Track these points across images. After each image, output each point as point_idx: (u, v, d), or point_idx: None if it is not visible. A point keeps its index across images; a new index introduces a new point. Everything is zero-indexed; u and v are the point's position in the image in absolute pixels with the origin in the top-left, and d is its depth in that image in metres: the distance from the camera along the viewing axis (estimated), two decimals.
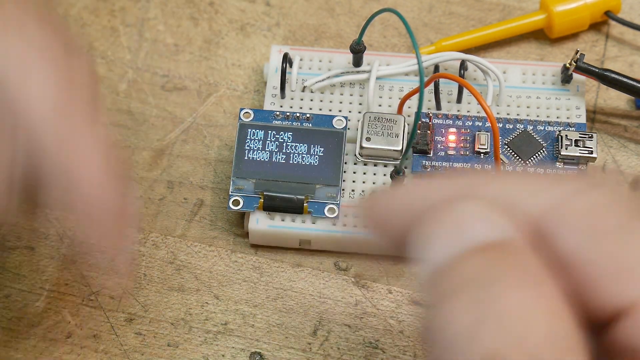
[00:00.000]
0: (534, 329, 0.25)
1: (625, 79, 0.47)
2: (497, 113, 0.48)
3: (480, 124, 0.46)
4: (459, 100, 0.48)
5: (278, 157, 0.45)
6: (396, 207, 0.30)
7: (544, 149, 0.46)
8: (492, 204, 0.28)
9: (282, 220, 0.45)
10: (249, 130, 0.46)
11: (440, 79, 0.46)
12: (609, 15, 0.50)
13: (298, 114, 0.46)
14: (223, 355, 0.43)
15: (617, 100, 0.49)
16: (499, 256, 0.26)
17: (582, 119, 0.47)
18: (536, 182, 0.29)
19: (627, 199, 0.28)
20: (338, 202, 0.45)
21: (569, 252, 0.28)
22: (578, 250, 0.27)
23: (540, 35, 0.51)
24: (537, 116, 0.48)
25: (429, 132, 0.46)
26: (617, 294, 0.27)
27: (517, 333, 0.25)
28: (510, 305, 0.25)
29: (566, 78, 0.48)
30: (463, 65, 0.48)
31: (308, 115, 0.46)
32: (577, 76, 0.48)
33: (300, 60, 0.49)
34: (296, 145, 0.45)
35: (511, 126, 0.47)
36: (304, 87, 0.48)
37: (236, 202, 0.45)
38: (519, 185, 0.29)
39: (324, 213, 0.45)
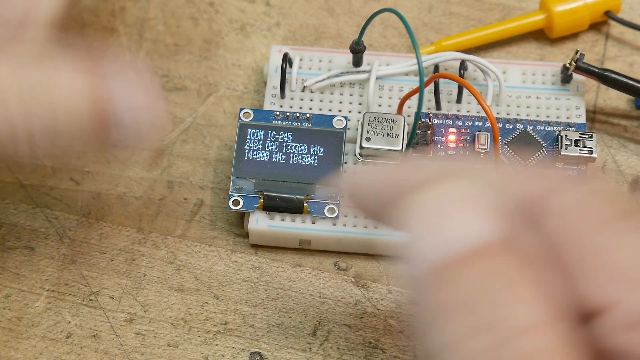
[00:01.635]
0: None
1: (625, 79, 0.47)
2: (497, 113, 0.48)
3: (480, 124, 0.47)
4: (458, 100, 0.48)
5: (278, 157, 0.45)
6: (377, 183, 0.30)
7: (543, 149, 0.46)
8: (481, 187, 0.27)
9: (282, 220, 0.45)
10: (249, 130, 0.46)
11: (440, 79, 0.46)
12: (609, 15, 0.50)
13: (298, 114, 0.46)
14: (223, 355, 0.43)
15: (617, 100, 0.49)
16: (493, 272, 0.26)
17: (582, 119, 0.47)
18: (530, 170, 0.29)
19: (624, 195, 0.28)
20: (338, 202, 0.45)
21: (559, 241, 0.27)
22: (567, 240, 0.27)
23: (540, 36, 0.51)
24: (537, 116, 0.48)
25: (428, 132, 0.46)
26: (599, 291, 0.26)
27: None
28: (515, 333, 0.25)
29: (566, 78, 0.48)
30: (463, 65, 0.48)
31: (308, 115, 0.46)
32: (577, 76, 0.48)
33: (300, 60, 0.49)
34: (296, 145, 0.45)
35: (511, 126, 0.47)
36: (304, 87, 0.48)
37: (236, 202, 0.45)
38: (512, 171, 0.29)
39: (324, 213, 0.45)
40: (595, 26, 0.51)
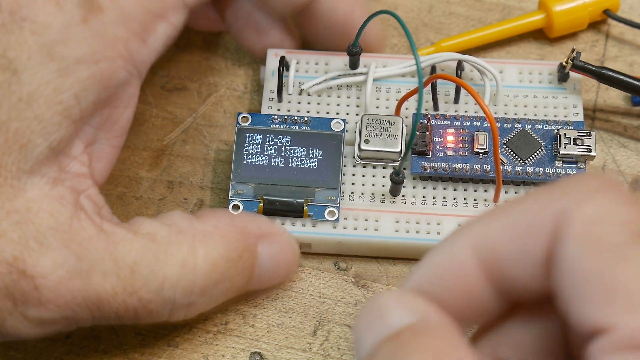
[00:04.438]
0: None
1: (621, 77, 0.47)
2: (495, 113, 0.48)
3: (479, 124, 0.47)
4: (456, 100, 0.48)
5: (277, 161, 0.45)
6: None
7: (542, 148, 0.46)
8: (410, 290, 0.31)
9: (282, 224, 0.45)
10: (247, 134, 0.45)
11: (438, 80, 0.46)
12: (608, 13, 0.50)
13: (296, 117, 0.46)
14: (223, 355, 0.43)
15: (617, 99, 0.49)
16: (409, 338, 0.29)
17: (580, 117, 0.47)
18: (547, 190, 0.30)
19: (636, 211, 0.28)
20: (338, 205, 0.45)
21: (566, 259, 0.28)
22: (573, 259, 0.28)
23: (540, 36, 0.51)
24: (535, 115, 0.48)
25: (427, 133, 0.46)
26: (596, 313, 0.27)
27: None
28: None
29: (563, 76, 0.48)
30: (460, 66, 0.48)
31: (306, 118, 0.46)
32: (573, 74, 0.48)
33: (297, 63, 0.49)
34: (295, 149, 0.45)
35: (509, 126, 0.47)
36: (301, 90, 0.48)
37: (236, 207, 0.45)
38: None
39: (324, 216, 0.45)
40: (595, 26, 0.51)
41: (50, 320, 0.38)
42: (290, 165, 0.45)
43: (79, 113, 0.39)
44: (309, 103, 0.48)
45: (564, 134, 0.46)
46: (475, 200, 0.46)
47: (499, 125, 0.46)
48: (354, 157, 0.46)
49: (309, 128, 0.46)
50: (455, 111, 0.48)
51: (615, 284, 0.27)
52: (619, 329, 0.27)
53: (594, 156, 0.45)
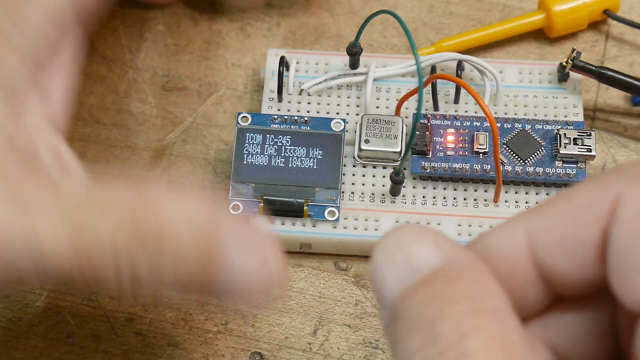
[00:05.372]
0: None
1: (621, 77, 0.47)
2: (495, 112, 0.48)
3: (479, 123, 0.47)
4: (456, 100, 0.48)
5: (277, 160, 0.45)
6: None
7: (542, 148, 0.46)
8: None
9: (282, 224, 0.45)
10: (247, 134, 0.46)
11: (438, 80, 0.46)
12: (608, 13, 0.50)
13: (296, 117, 0.46)
14: (223, 356, 0.43)
15: (617, 99, 0.49)
16: (442, 286, 0.27)
17: (580, 117, 0.47)
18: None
19: None
20: (338, 204, 0.45)
21: (620, 239, 0.28)
22: (628, 238, 0.28)
23: (540, 36, 0.51)
24: (535, 115, 0.48)
25: (427, 133, 0.46)
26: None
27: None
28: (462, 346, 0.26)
29: (563, 76, 0.48)
30: (460, 66, 0.48)
31: (306, 118, 0.46)
32: (573, 74, 0.48)
33: (297, 63, 0.49)
34: (295, 149, 0.45)
35: (509, 125, 0.47)
36: (301, 90, 0.48)
37: (236, 207, 0.45)
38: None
39: (324, 216, 0.45)
40: (595, 26, 0.51)
41: None
42: (290, 165, 0.45)
43: (29, 51, 0.38)
44: (309, 103, 0.48)
45: (564, 134, 0.46)
46: (475, 200, 0.46)
47: (499, 125, 0.46)
48: (354, 157, 0.46)
49: (309, 128, 0.46)
50: (455, 111, 0.48)
51: None
52: None
53: (594, 156, 0.45)
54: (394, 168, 0.45)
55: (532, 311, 0.31)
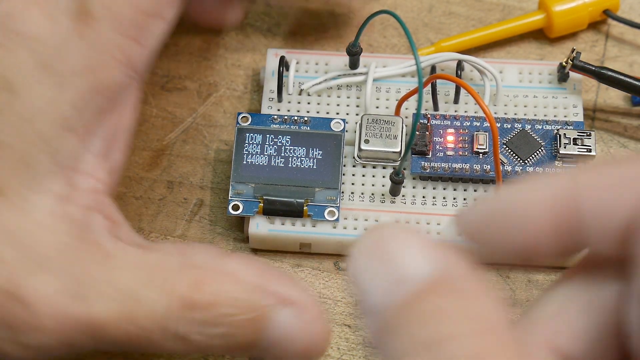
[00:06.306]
0: None
1: (621, 77, 0.47)
2: (495, 113, 0.48)
3: (479, 124, 0.47)
4: (456, 100, 0.48)
5: (277, 161, 0.45)
6: None
7: (542, 148, 0.46)
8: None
9: (282, 224, 0.45)
10: (247, 134, 0.45)
11: (438, 80, 0.46)
12: (608, 13, 0.50)
13: (296, 117, 0.46)
14: (223, 356, 0.43)
15: (617, 99, 0.49)
16: (444, 301, 0.26)
17: (580, 117, 0.47)
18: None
19: None
20: (338, 204, 0.45)
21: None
22: None
23: (540, 36, 0.51)
24: (535, 115, 0.48)
25: (427, 133, 0.46)
26: None
27: None
28: None
29: (563, 76, 0.48)
30: (460, 66, 0.48)
31: (306, 118, 0.46)
32: (573, 74, 0.48)
33: (297, 63, 0.49)
34: (295, 149, 0.45)
35: (509, 126, 0.47)
36: (301, 90, 0.48)
37: (236, 207, 0.45)
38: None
39: (324, 216, 0.45)
40: (595, 26, 0.51)
41: (48, 347, 0.36)
42: (290, 165, 0.45)
43: (81, 125, 0.38)
44: (309, 103, 0.48)
45: (564, 134, 0.46)
46: (475, 200, 0.46)
47: (498, 125, 0.46)
48: (353, 157, 0.46)
49: (308, 128, 0.46)
50: (455, 111, 0.48)
51: None
52: None
53: (594, 156, 0.45)
54: (393, 168, 0.45)
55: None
